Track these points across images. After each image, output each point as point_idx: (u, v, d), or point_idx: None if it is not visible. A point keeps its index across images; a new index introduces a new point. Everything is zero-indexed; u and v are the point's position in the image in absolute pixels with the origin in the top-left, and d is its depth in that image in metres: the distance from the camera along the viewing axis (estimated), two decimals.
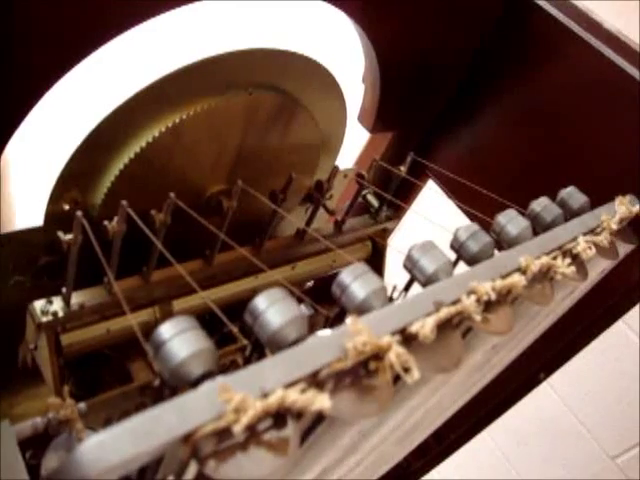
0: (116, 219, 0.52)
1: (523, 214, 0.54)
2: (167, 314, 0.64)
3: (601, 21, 0.69)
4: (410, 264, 0.44)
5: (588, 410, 1.40)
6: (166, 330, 0.30)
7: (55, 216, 0.57)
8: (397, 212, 0.84)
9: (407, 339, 0.36)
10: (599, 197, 0.59)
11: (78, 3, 0.44)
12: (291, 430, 0.30)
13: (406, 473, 1.03)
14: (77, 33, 0.46)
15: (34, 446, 0.52)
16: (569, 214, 0.57)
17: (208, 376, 0.30)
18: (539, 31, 0.74)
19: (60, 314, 0.56)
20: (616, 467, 1.37)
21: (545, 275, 0.48)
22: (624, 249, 0.61)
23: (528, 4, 0.73)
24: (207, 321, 0.47)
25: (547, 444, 1.50)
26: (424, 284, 0.43)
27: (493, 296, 0.41)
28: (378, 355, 0.33)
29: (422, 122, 0.86)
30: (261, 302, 0.35)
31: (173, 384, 0.30)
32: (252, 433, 0.29)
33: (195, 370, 0.30)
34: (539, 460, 1.53)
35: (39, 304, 0.56)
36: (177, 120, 0.56)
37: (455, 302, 0.39)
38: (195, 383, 0.30)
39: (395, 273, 0.58)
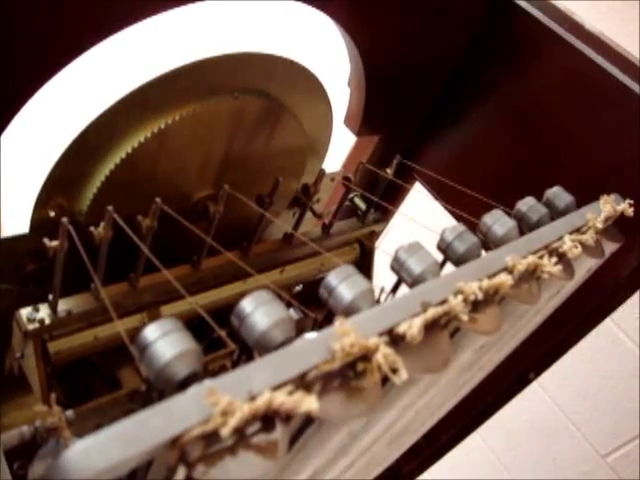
0: (102, 225, 0.52)
1: (509, 214, 0.54)
2: (155, 320, 0.64)
3: (582, 22, 0.70)
4: (397, 265, 0.44)
5: (578, 409, 1.41)
6: (150, 332, 0.30)
7: (41, 223, 0.56)
8: (384, 214, 0.84)
9: (395, 340, 0.36)
10: (584, 196, 0.59)
11: (64, 8, 0.44)
12: (279, 433, 0.30)
13: (398, 475, 1.03)
14: (59, 39, 0.46)
15: (22, 456, 0.52)
16: (555, 214, 0.58)
17: (194, 377, 0.30)
18: (522, 33, 0.75)
19: (47, 321, 0.55)
20: (607, 465, 1.38)
21: (532, 274, 0.48)
22: (610, 248, 0.62)
23: (511, 6, 0.74)
24: (196, 326, 0.47)
25: (538, 444, 1.50)
26: (411, 285, 0.43)
27: (480, 296, 0.41)
28: (366, 356, 0.33)
29: (408, 124, 0.86)
30: (247, 304, 0.35)
31: (159, 387, 0.30)
32: (240, 436, 0.29)
33: (181, 371, 0.30)
34: (530, 460, 1.53)
35: (25, 311, 0.55)
36: (162, 125, 0.56)
37: (442, 302, 0.39)
38: (181, 384, 0.30)
39: (383, 275, 0.59)
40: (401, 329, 0.36)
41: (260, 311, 0.34)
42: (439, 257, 0.47)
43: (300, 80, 0.65)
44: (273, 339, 0.33)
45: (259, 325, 0.34)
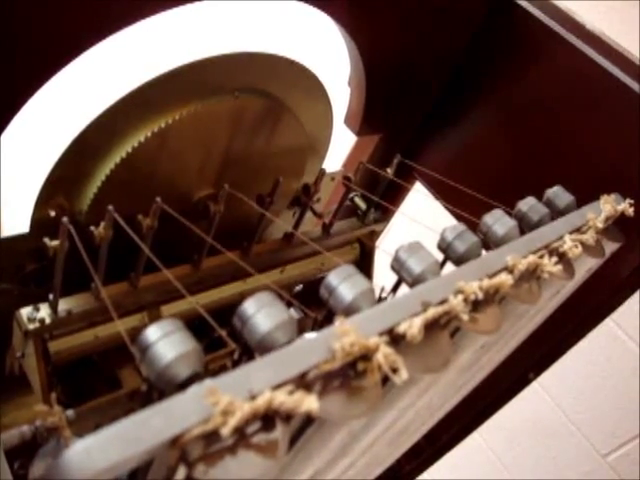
0: (102, 224, 0.52)
1: (510, 214, 0.54)
2: (156, 319, 0.64)
3: (583, 22, 0.70)
4: (397, 265, 0.44)
5: (578, 409, 1.41)
6: (152, 333, 0.30)
7: (41, 222, 0.56)
8: (385, 214, 0.84)
9: (395, 339, 0.36)
10: (585, 196, 0.59)
11: (63, 8, 0.44)
12: (280, 432, 0.30)
13: (399, 475, 1.03)
14: (59, 38, 0.46)
15: (23, 456, 0.52)
16: (555, 213, 0.58)
17: (195, 378, 0.30)
18: (523, 32, 0.75)
19: (47, 321, 0.55)
20: (607, 465, 1.38)
21: (532, 274, 0.48)
22: (610, 248, 0.61)
23: (512, 6, 0.74)
24: (196, 326, 0.47)
25: (538, 443, 1.50)
26: (411, 285, 0.43)
27: (480, 295, 0.41)
28: (366, 356, 0.33)
29: (408, 124, 0.86)
30: (250, 306, 0.35)
31: (160, 387, 0.30)
32: (240, 436, 0.28)
33: (182, 372, 0.30)
34: (531, 459, 1.53)
35: (26, 311, 0.55)
36: (163, 125, 0.56)
37: (443, 302, 0.39)
38: (182, 385, 0.30)
39: (384, 275, 0.59)
40: (401, 329, 0.35)
41: (262, 313, 0.34)
42: (439, 257, 0.47)
43: (300, 80, 0.65)
44: (275, 341, 0.33)
45: (261, 327, 0.33)
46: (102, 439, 0.24)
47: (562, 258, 0.51)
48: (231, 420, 0.27)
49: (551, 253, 0.51)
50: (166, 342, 0.30)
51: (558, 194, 0.59)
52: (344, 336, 0.32)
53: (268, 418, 0.29)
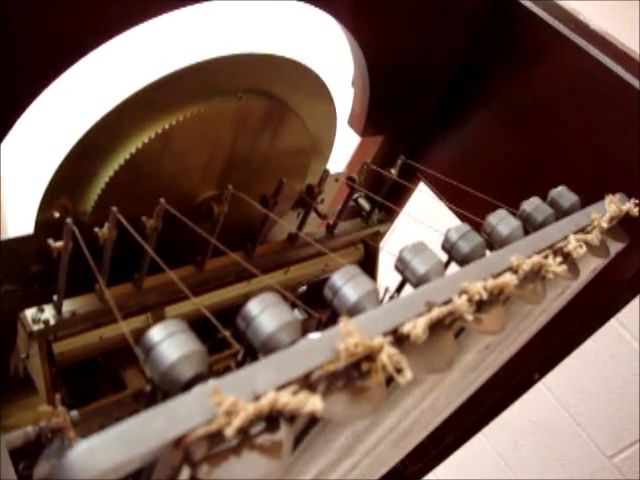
0: (106, 226, 0.52)
1: (514, 214, 0.54)
2: (160, 320, 0.64)
3: (587, 22, 0.69)
4: (402, 265, 0.44)
5: (584, 410, 1.40)
6: (156, 333, 0.30)
7: (45, 224, 0.56)
8: (389, 215, 0.84)
9: (399, 340, 0.36)
10: (589, 196, 0.59)
11: (67, 9, 0.44)
12: (284, 433, 0.30)
13: (403, 476, 1.03)
14: (64, 40, 0.46)
15: (27, 457, 0.52)
16: (560, 213, 0.58)
17: (199, 379, 0.30)
18: (526, 32, 0.75)
19: (52, 322, 0.56)
20: (613, 466, 1.37)
21: (537, 274, 0.48)
22: (615, 247, 0.61)
23: (515, 5, 0.73)
24: (200, 327, 0.47)
25: (543, 444, 1.50)
26: (415, 285, 0.43)
27: (485, 296, 0.41)
28: (370, 356, 0.33)
29: (412, 125, 0.86)
30: (254, 307, 0.35)
31: (164, 388, 0.30)
32: (245, 436, 0.28)
33: (186, 373, 0.30)
34: (536, 460, 1.53)
35: (30, 312, 0.55)
36: (166, 126, 0.56)
37: (447, 302, 0.39)
38: (186, 386, 0.30)
39: (388, 275, 0.59)
40: (405, 329, 0.35)
41: (266, 314, 0.34)
42: (444, 257, 0.47)
43: (304, 80, 0.65)
44: (280, 342, 0.33)
45: (266, 328, 0.33)
46: (105, 439, 0.24)
47: (567, 258, 0.51)
48: (235, 420, 0.27)
49: (556, 253, 0.51)
50: (170, 342, 0.30)
51: (562, 194, 0.59)
52: (348, 336, 0.32)
53: (272, 419, 0.29)
